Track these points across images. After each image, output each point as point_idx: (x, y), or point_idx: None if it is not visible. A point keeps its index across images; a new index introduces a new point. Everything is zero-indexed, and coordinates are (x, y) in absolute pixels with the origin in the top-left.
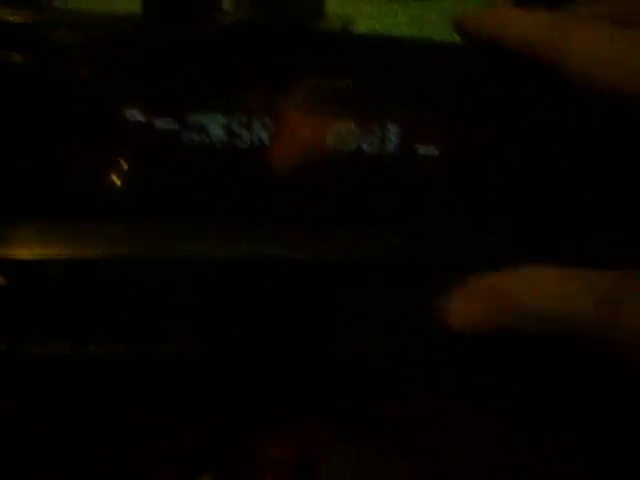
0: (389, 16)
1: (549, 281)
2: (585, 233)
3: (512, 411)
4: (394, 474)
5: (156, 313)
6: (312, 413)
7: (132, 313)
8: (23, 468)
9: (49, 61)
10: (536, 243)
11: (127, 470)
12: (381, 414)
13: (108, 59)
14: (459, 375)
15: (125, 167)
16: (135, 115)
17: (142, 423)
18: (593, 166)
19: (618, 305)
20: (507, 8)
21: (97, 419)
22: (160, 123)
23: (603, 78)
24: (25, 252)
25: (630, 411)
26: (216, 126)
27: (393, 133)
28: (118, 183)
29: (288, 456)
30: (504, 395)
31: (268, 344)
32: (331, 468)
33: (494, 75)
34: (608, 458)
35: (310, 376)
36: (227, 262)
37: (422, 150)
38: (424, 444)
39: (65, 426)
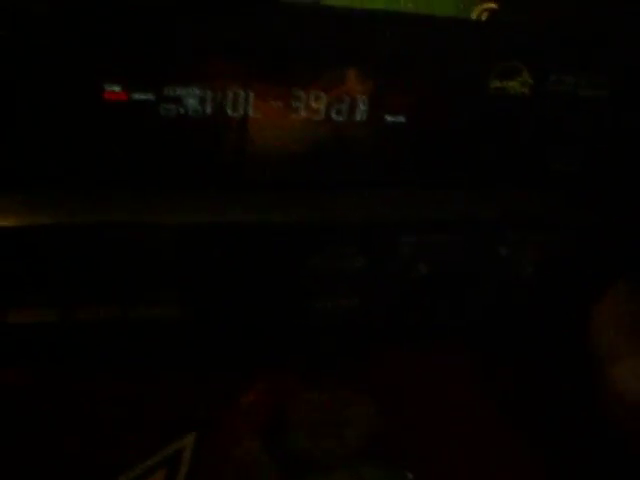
0: None
1: None
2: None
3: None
4: (356, 417)
5: (138, 279)
6: (282, 365)
7: (115, 279)
8: None
9: (25, 34)
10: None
11: (111, 431)
12: (348, 367)
13: (83, 32)
14: (424, 333)
15: (105, 137)
16: (112, 87)
17: (124, 384)
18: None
19: None
20: None
21: (86, 384)
22: (137, 95)
23: None
24: (8, 220)
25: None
26: (191, 98)
27: (361, 102)
28: (98, 153)
29: (262, 401)
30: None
31: (244, 305)
32: (299, 412)
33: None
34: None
35: (283, 333)
36: (204, 228)
37: (390, 118)
38: (385, 394)
39: (51, 393)
